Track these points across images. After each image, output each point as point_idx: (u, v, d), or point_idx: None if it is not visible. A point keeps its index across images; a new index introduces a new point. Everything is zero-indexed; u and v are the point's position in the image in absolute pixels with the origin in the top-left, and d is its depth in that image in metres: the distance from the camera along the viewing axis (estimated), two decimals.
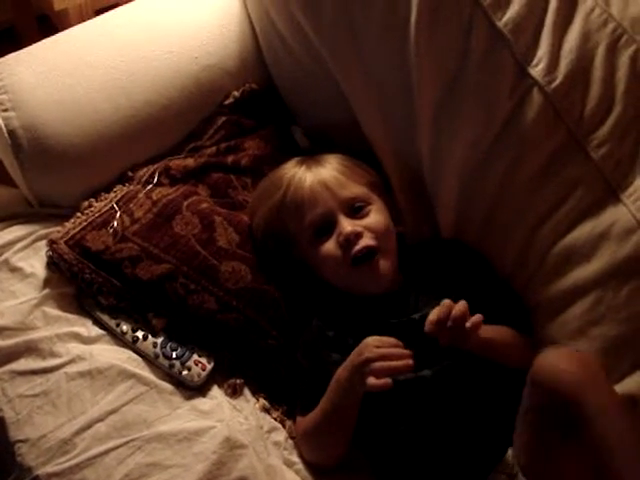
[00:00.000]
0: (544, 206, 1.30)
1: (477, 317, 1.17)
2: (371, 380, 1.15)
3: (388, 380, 1.14)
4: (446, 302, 1.17)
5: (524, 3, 1.28)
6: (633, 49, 1.23)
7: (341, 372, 1.23)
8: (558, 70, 1.26)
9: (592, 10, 1.26)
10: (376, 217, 1.33)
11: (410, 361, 1.16)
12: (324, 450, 1.29)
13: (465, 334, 1.16)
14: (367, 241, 1.29)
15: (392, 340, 1.20)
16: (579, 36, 1.25)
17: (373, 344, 1.19)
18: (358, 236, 1.29)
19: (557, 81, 1.25)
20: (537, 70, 1.27)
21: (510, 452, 1.20)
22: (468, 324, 1.16)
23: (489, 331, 1.23)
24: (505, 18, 1.28)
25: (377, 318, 1.30)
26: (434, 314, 1.16)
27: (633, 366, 1.23)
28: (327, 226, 1.31)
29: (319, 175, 1.33)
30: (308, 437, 1.29)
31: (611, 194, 1.24)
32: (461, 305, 1.17)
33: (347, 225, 1.30)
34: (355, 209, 1.32)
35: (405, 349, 1.18)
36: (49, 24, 2.06)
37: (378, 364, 1.16)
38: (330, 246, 1.31)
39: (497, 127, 1.31)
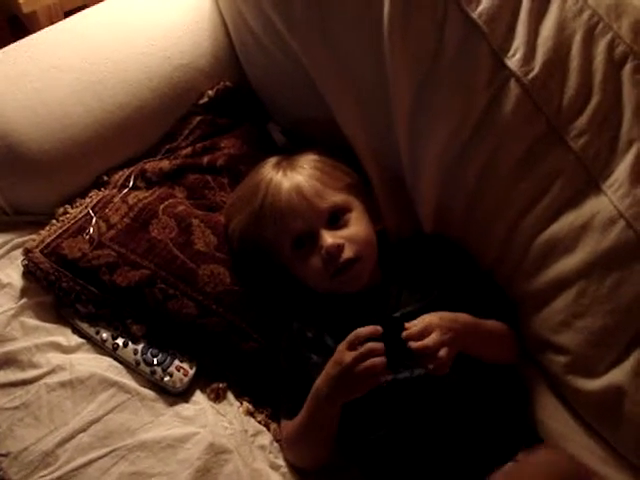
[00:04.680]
0: (525, 198, 1.29)
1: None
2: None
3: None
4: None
5: None
6: (609, 37, 1.22)
7: (319, 385, 1.21)
8: (535, 60, 1.24)
9: None
10: (356, 227, 1.31)
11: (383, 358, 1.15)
12: (307, 455, 1.28)
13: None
14: (348, 254, 1.28)
15: (366, 331, 1.17)
16: (555, 25, 1.24)
17: (346, 347, 1.17)
18: (340, 248, 1.28)
19: (534, 71, 1.24)
20: (514, 61, 1.25)
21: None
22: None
23: (480, 329, 1.24)
24: (479, 9, 1.26)
25: (357, 316, 1.28)
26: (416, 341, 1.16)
27: (618, 357, 1.23)
28: (307, 237, 1.30)
29: (296, 182, 1.30)
30: (291, 443, 1.29)
31: (592, 184, 1.23)
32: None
33: (328, 238, 1.28)
34: (334, 219, 1.31)
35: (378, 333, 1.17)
36: (21, 24, 2.03)
37: (359, 368, 1.15)
38: (311, 259, 1.29)
39: (474, 119, 1.29)
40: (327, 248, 1.27)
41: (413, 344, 1.15)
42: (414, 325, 1.17)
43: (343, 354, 1.17)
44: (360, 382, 1.16)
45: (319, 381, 1.21)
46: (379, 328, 1.16)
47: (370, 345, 1.15)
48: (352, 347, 1.16)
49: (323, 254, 1.27)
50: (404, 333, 1.16)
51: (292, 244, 1.31)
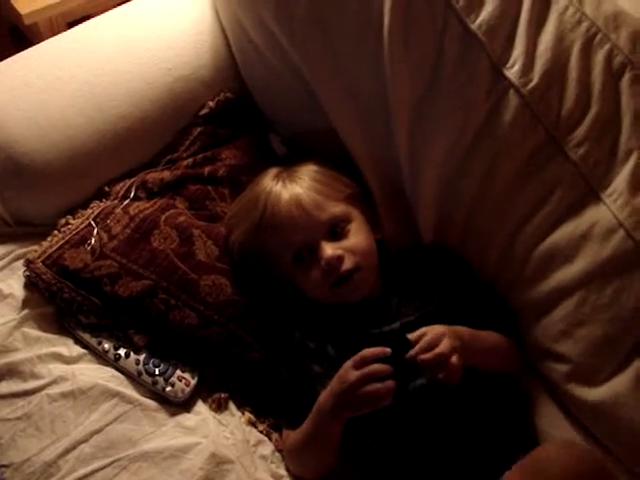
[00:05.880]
0: (524, 208, 1.29)
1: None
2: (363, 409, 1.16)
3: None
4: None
5: (497, 4, 1.27)
6: (608, 48, 1.23)
7: (323, 399, 1.21)
8: (534, 71, 1.25)
9: (566, 9, 1.26)
10: (356, 237, 1.31)
11: (390, 383, 1.14)
12: (309, 466, 1.28)
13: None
14: (348, 265, 1.28)
15: (373, 352, 1.17)
16: (553, 36, 1.25)
17: (352, 365, 1.17)
18: (340, 260, 1.28)
19: (533, 82, 1.25)
20: (513, 72, 1.26)
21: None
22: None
23: (478, 340, 1.24)
24: (479, 20, 1.27)
25: (357, 327, 1.29)
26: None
27: (619, 366, 1.23)
28: (307, 249, 1.30)
29: (295, 194, 1.31)
30: (293, 454, 1.28)
31: (591, 194, 1.24)
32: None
33: (328, 249, 1.28)
34: (334, 230, 1.31)
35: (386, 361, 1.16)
36: (22, 35, 2.04)
37: (362, 391, 1.14)
38: (312, 270, 1.30)
39: (474, 130, 1.30)
40: (327, 259, 1.27)
41: (425, 356, 1.15)
42: (418, 336, 1.17)
43: (348, 372, 1.17)
44: (362, 403, 1.16)
45: (323, 395, 1.21)
46: (387, 350, 1.15)
47: (375, 367, 1.15)
48: (358, 367, 1.16)
49: (323, 265, 1.28)
50: (413, 351, 1.15)
51: (293, 257, 1.31)
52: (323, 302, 1.32)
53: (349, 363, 1.17)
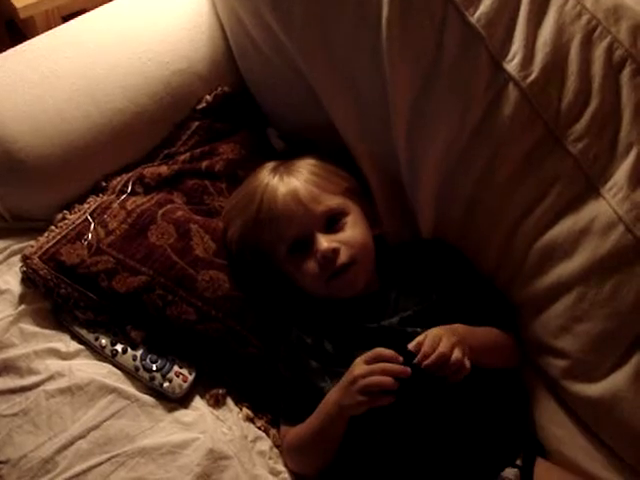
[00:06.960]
0: (524, 203, 1.29)
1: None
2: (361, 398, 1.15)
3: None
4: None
5: None
6: (608, 41, 1.22)
7: (331, 394, 1.21)
8: (533, 64, 1.24)
9: (565, 2, 1.25)
10: (353, 230, 1.31)
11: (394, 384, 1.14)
12: (310, 462, 1.28)
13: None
14: (344, 258, 1.28)
15: (385, 353, 1.17)
16: (553, 29, 1.24)
17: (363, 361, 1.17)
18: (335, 252, 1.28)
19: (533, 76, 1.24)
20: (512, 65, 1.25)
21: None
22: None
23: (476, 337, 1.23)
24: (478, 13, 1.26)
25: (355, 322, 1.29)
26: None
27: (618, 362, 1.23)
28: (303, 241, 1.30)
29: (292, 187, 1.30)
30: (293, 450, 1.28)
31: (591, 189, 1.23)
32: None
33: (324, 242, 1.28)
34: (331, 223, 1.31)
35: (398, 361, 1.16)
36: (18, 29, 2.03)
37: (365, 381, 1.14)
38: (307, 262, 1.29)
39: (473, 124, 1.29)
40: (322, 252, 1.27)
41: (427, 362, 1.14)
42: (418, 344, 1.16)
43: (356, 366, 1.17)
44: (362, 394, 1.15)
45: (332, 390, 1.22)
46: (400, 358, 1.15)
47: (383, 365, 1.15)
48: (369, 363, 1.16)
49: (319, 258, 1.28)
50: (417, 359, 1.15)
51: (288, 249, 1.31)
52: (319, 295, 1.32)
53: (361, 358, 1.18)
